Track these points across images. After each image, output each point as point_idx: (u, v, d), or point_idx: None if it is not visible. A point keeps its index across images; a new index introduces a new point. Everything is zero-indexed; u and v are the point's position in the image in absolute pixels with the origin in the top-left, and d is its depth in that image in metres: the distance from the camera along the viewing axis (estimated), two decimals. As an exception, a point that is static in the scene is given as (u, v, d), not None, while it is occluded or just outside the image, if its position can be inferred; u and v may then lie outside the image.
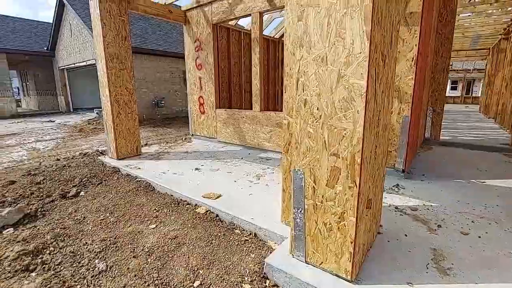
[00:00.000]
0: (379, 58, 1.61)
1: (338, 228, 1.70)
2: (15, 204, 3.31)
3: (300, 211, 1.85)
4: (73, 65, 13.42)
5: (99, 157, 5.19)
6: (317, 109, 1.68)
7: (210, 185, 3.58)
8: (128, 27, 4.79)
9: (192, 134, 6.67)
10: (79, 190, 3.71)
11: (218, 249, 2.31)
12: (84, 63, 12.21)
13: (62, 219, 2.99)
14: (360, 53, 1.48)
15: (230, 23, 6.34)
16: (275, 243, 2.36)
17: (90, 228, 2.78)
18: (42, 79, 16.05)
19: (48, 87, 16.16)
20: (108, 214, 3.05)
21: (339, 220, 1.68)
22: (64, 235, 2.63)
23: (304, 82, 1.71)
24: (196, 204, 3.13)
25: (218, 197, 3.17)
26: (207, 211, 2.96)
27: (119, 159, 4.87)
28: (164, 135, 9.04)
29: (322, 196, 1.73)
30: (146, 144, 6.96)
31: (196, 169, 4.29)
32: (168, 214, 2.97)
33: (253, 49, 5.04)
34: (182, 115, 13.30)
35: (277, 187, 3.47)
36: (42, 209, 3.20)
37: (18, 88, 21.42)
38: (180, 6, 6.18)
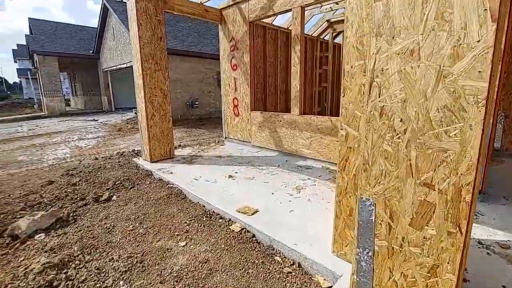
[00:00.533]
0: (502, 49, 1.12)
1: (426, 285, 1.23)
2: (50, 206, 3.28)
3: (368, 253, 1.41)
4: (115, 67, 14.12)
5: (133, 159, 5.15)
6: (401, 120, 1.23)
7: (245, 197, 3.25)
8: (163, 27, 4.66)
9: (226, 137, 6.44)
10: (111, 194, 3.61)
11: (255, 282, 1.95)
12: (124, 65, 12.75)
13: (92, 226, 2.86)
14: (479, 41, 1.01)
15: (267, 20, 5.99)
16: (325, 279, 1.93)
17: (118, 240, 2.60)
18: (88, 80, 17.21)
19: (93, 88, 17.28)
20: (137, 224, 2.85)
21: (429, 275, 1.22)
22: (92, 246, 2.47)
23: (381, 84, 1.27)
24: (230, 220, 2.81)
25: (254, 212, 2.82)
26: (242, 229, 2.62)
27: (152, 162, 4.77)
28: (197, 136, 8.98)
29: (403, 239, 1.28)
30: (179, 146, 6.89)
31: (230, 176, 4.00)
32: (199, 230, 2.68)
33: (293, 47, 4.63)
34: (215, 115, 13.30)
35: (322, 204, 3.02)
36: (74, 214, 3.12)
37: (67, 88, 23.32)
38: (215, 7, 5.98)
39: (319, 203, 3.04)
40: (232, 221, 2.77)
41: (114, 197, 3.56)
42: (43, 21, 16.98)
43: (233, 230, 2.63)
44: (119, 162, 5.14)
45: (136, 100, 4.82)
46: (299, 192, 3.39)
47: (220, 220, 2.84)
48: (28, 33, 16.30)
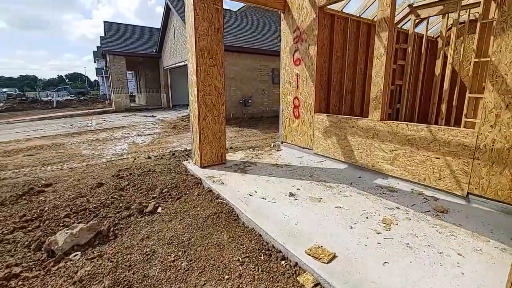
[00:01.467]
0: None
1: None
2: (93, 214, 2.99)
3: None
4: (173, 65, 14.59)
5: (183, 162, 4.77)
6: None
7: (314, 228, 2.47)
8: (222, 16, 4.12)
9: (282, 141, 5.71)
10: (157, 205, 3.19)
11: None
12: (183, 63, 13.00)
13: (132, 247, 2.41)
14: None
15: (336, 7, 5.04)
16: None
17: (156, 274, 2.07)
18: (151, 78, 18.29)
19: (154, 85, 18.33)
20: (180, 253, 2.31)
21: None
22: (125, 282, 1.98)
23: None
24: (296, 264, 2.07)
25: (331, 258, 2.03)
26: (316, 285, 1.86)
27: (203, 167, 4.30)
28: (249, 137, 8.46)
29: None
30: (231, 148, 6.41)
31: (291, 194, 3.25)
32: (256, 276, 2.00)
33: (378, 34, 3.64)
34: (267, 115, 12.70)
35: (432, 256, 2.06)
36: (115, 228, 2.75)
37: (134, 86, 25.43)
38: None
39: (426, 254, 2.09)
40: (301, 268, 2.02)
41: (159, 209, 3.13)
42: (115, 23, 18.60)
43: (302, 285, 1.88)
44: (169, 164, 4.82)
45: (189, 99, 4.40)
46: (389, 229, 2.47)
47: (283, 263, 2.12)
48: (103, 35, 18.01)
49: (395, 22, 7.15)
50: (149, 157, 5.83)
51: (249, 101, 11.72)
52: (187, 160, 5.04)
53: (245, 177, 3.89)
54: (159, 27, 16.15)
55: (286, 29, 5.15)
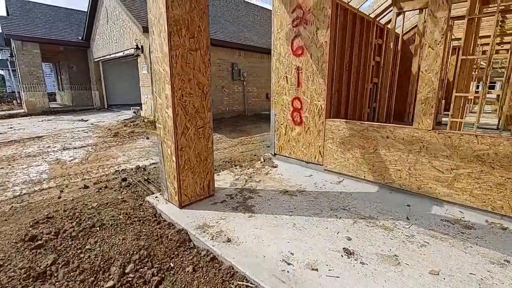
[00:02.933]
0: None
1: None
2: None
3: None
4: (108, 56, 11.89)
5: (148, 199, 3.15)
6: None
7: None
8: (204, -25, 2.66)
9: (275, 154, 4.49)
10: (119, 310, 1.65)
11: None
12: (121, 53, 10.56)
13: None
14: None
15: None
16: None
17: None
18: (77, 72, 14.86)
19: (82, 81, 14.95)
20: None
21: None
22: None
23: None
24: None
25: None
26: None
27: (183, 207, 2.80)
28: (215, 144, 7.00)
29: None
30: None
31: (347, 252, 2.08)
32: None
33: (432, 14, 2.70)
34: (228, 115, 11.28)
35: None
36: None
37: (53, 82, 20.80)
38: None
39: None
40: None
41: (127, 322, 1.60)
42: (22, 0, 14.49)
43: None
44: (123, 202, 3.15)
45: (155, 102, 2.82)
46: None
47: None
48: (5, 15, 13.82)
49: (375, 15, 6.57)
50: (86, 186, 3.95)
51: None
52: (150, 191, 3.43)
53: (256, 221, 2.56)
54: (86, 10, 13.08)
55: (280, 7, 3.92)
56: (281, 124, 4.25)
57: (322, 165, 3.84)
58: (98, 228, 2.51)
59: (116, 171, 4.80)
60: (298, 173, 3.86)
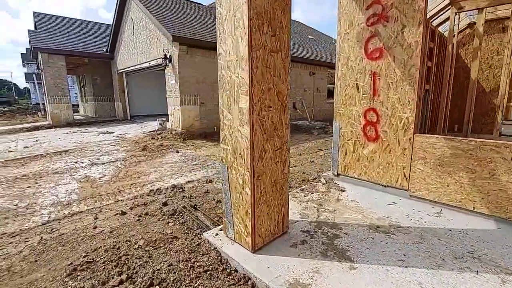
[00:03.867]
0: None
1: None
2: None
3: None
4: (133, 68, 11.72)
5: (206, 236, 2.54)
6: None
7: None
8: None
9: (338, 174, 3.82)
10: None
11: None
12: (147, 64, 10.32)
13: None
14: None
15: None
16: None
17: None
18: (101, 84, 14.87)
19: (106, 93, 14.92)
20: None
21: None
22: None
23: None
24: None
25: None
26: None
27: (257, 251, 2.17)
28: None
29: None
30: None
31: None
32: None
33: None
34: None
35: None
36: None
37: (76, 93, 21.13)
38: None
39: None
40: None
41: None
42: (49, 15, 14.77)
43: None
44: (174, 237, 2.56)
45: (221, 119, 2.24)
46: None
47: None
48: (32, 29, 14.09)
49: (432, 14, 5.89)
50: (123, 213, 3.41)
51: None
52: (201, 223, 2.83)
53: (363, 278, 1.88)
54: (111, 23, 13.10)
55: (350, 5, 3.32)
56: (348, 140, 3.59)
57: (407, 191, 3.13)
58: (141, 258, 1.92)
59: (150, 190, 4.27)
60: (376, 200, 3.16)
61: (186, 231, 2.77)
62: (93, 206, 3.73)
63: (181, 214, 3.23)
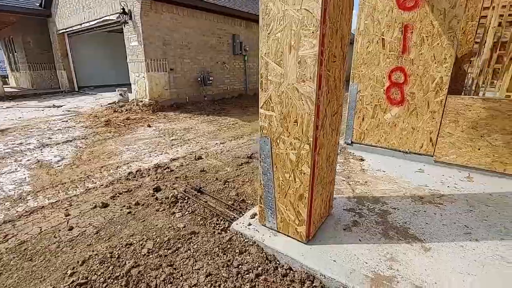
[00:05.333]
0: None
1: None
2: None
3: None
4: (78, 27, 9.67)
5: (236, 227, 2.03)
6: None
7: None
8: None
9: (352, 142, 3.51)
10: None
11: None
12: (97, 22, 8.52)
13: None
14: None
15: None
16: None
17: None
18: (35, 48, 12.22)
19: (43, 59, 12.37)
20: None
21: None
22: None
23: None
24: None
25: None
26: None
27: (310, 241, 1.77)
28: (235, 130, 5.85)
29: None
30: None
31: None
32: None
33: None
34: (229, 95, 9.92)
35: None
36: None
37: (2, 62, 17.39)
38: None
39: None
40: None
41: None
42: None
43: None
44: (192, 232, 2.02)
45: (262, 73, 1.64)
46: None
47: None
48: None
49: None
50: (105, 205, 2.70)
51: (211, 78, 8.69)
52: (217, 210, 2.32)
53: (446, 261, 1.61)
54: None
55: None
56: (368, 104, 3.24)
57: (432, 156, 2.96)
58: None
59: (129, 173, 3.54)
60: (401, 168, 2.94)
61: (202, 223, 2.23)
62: (57, 198, 2.92)
63: (185, 201, 2.65)
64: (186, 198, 2.71)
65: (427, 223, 1.99)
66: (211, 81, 8.67)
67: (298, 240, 1.77)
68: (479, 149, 2.69)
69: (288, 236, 1.82)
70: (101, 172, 3.70)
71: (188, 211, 2.44)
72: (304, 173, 1.61)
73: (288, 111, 1.57)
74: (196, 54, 8.37)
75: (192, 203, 2.60)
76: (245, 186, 2.94)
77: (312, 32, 1.36)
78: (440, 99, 2.76)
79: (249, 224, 1.98)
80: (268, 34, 1.53)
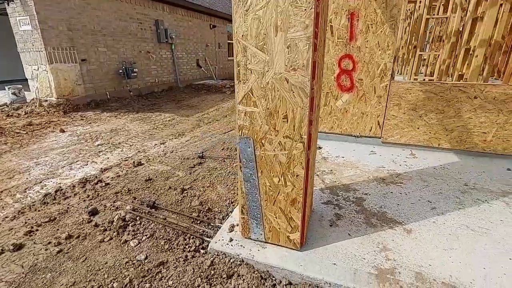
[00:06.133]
0: None
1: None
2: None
3: None
4: None
5: (214, 246, 1.70)
6: None
7: None
8: None
9: (306, 131, 3.50)
10: None
11: None
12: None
13: None
14: None
15: None
16: None
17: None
18: None
19: None
20: None
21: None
22: None
23: None
24: None
25: None
26: None
27: (303, 247, 1.60)
28: (174, 127, 5.30)
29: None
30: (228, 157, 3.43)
31: None
32: None
33: None
34: (158, 89, 8.93)
35: None
36: None
37: None
38: None
39: None
40: None
41: None
42: None
43: None
44: (161, 263, 1.63)
45: (239, 61, 1.34)
46: None
47: None
48: None
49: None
50: (18, 246, 2.00)
51: (134, 70, 7.59)
52: (183, 229, 1.97)
53: (429, 240, 1.68)
54: None
55: None
56: (323, 93, 3.24)
57: (380, 138, 3.18)
58: None
59: (46, 195, 2.79)
60: (356, 152, 3.07)
61: (168, 247, 1.83)
62: None
63: (138, 222, 2.15)
64: (137, 218, 2.21)
65: (398, 204, 2.08)
66: (135, 73, 7.60)
67: (292, 249, 1.59)
68: (418, 128, 3.00)
69: (278, 245, 1.62)
70: (1, 199, 2.77)
71: (145, 235, 1.98)
72: (297, 175, 1.41)
73: (276, 106, 1.32)
74: (114, 42, 7.15)
75: (147, 224, 2.13)
76: (207, 192, 2.59)
77: (305, 9, 1.13)
78: (384, 84, 2.95)
79: (231, 240, 1.69)
80: (246, 11, 1.23)
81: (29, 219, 2.36)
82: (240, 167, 1.52)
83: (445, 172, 2.60)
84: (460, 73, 4.31)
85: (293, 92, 1.27)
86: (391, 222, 1.87)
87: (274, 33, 1.21)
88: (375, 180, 2.45)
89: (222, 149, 3.92)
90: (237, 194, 2.28)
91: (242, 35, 1.27)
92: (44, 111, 5.73)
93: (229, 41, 13.65)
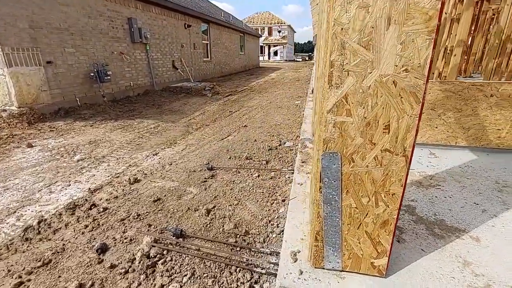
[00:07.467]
0: None
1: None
2: None
3: None
4: None
5: (282, 280, 1.42)
6: None
7: None
8: None
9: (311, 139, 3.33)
10: None
11: None
12: None
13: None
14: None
15: None
16: None
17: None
18: None
19: None
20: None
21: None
22: None
23: None
24: None
25: None
26: None
27: (386, 273, 1.41)
28: (160, 135, 4.85)
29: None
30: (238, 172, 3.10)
31: None
32: None
33: None
34: (133, 93, 8.20)
35: None
36: None
37: None
38: None
39: None
40: None
41: None
42: None
43: None
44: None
45: (322, 59, 1.10)
46: None
47: None
48: None
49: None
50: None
51: (108, 73, 6.86)
52: (224, 261, 1.69)
53: (495, 245, 1.59)
54: None
55: None
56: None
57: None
58: None
59: (27, 228, 2.31)
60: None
61: None
62: None
63: (168, 258, 1.79)
64: (164, 252, 1.84)
65: (450, 210, 1.98)
66: (109, 77, 6.87)
67: (375, 276, 1.38)
68: (436, 127, 2.99)
69: (359, 273, 1.41)
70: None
71: (185, 275, 1.63)
72: (393, 194, 1.21)
73: (376, 114, 1.11)
74: (84, 42, 6.38)
75: (179, 259, 1.78)
76: (237, 212, 2.28)
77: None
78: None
79: (301, 273, 1.43)
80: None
81: (12, 265, 1.87)
82: (320, 188, 1.28)
83: (471, 170, 2.59)
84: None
85: (401, 97, 1.06)
86: (454, 230, 1.76)
87: (386, 26, 0.99)
88: (412, 185, 2.35)
89: (229, 158, 3.61)
90: (304, 218, 2.02)
91: (342, 29, 1.03)
92: (4, 122, 4.88)
93: (204, 42, 13.15)
